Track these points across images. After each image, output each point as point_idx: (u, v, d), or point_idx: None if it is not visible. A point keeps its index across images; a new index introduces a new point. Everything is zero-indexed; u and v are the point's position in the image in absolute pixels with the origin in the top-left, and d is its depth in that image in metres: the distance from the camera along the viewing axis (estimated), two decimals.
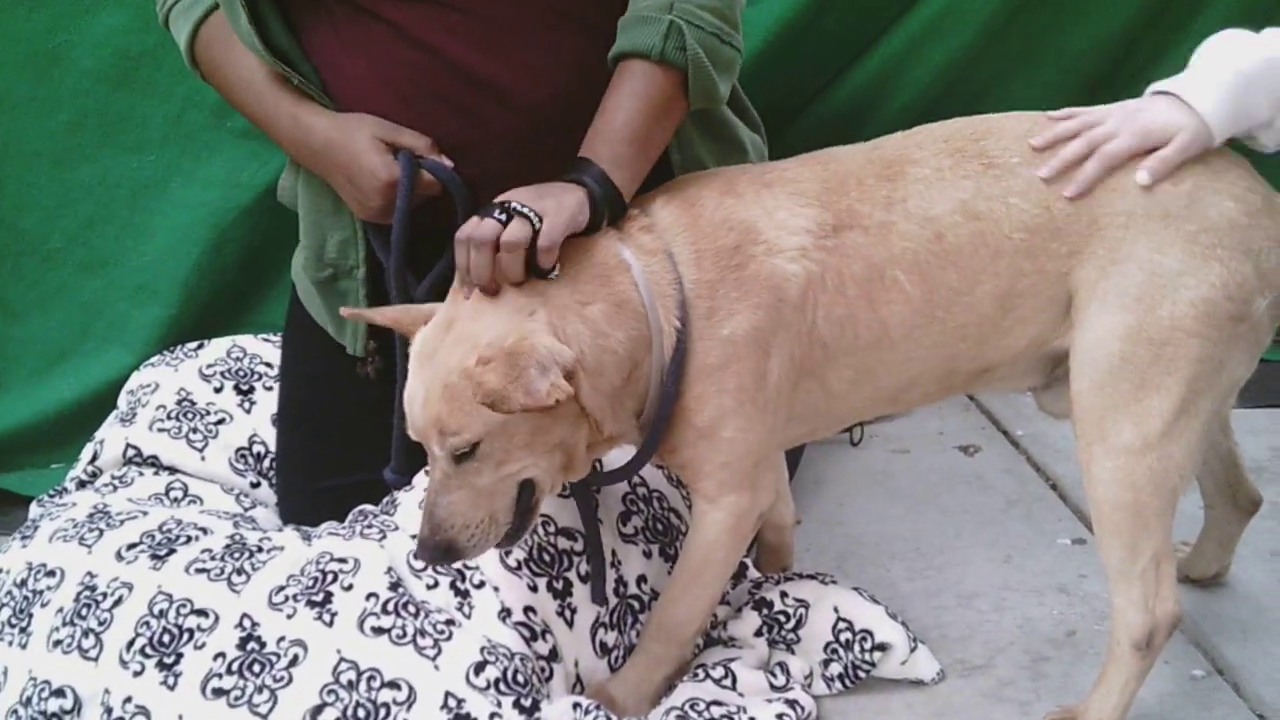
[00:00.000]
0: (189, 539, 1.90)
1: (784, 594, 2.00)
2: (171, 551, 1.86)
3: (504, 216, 1.60)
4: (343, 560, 1.83)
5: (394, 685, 1.68)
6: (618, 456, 1.89)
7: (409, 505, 1.95)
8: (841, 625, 1.96)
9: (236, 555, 1.86)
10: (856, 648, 1.94)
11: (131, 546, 1.88)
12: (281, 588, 1.80)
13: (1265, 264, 1.68)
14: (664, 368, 1.70)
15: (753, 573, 2.13)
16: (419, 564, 1.82)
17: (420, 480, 1.98)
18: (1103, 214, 1.68)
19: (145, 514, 1.98)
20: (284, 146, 2.01)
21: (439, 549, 1.62)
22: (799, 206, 1.74)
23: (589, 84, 1.82)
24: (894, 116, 2.76)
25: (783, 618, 1.98)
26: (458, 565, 1.82)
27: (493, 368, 1.51)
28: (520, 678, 1.72)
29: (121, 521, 1.95)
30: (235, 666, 1.71)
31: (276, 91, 1.95)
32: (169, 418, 2.28)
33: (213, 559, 1.85)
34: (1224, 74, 1.70)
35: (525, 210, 1.60)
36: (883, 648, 1.94)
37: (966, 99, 2.81)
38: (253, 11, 1.88)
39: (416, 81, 1.88)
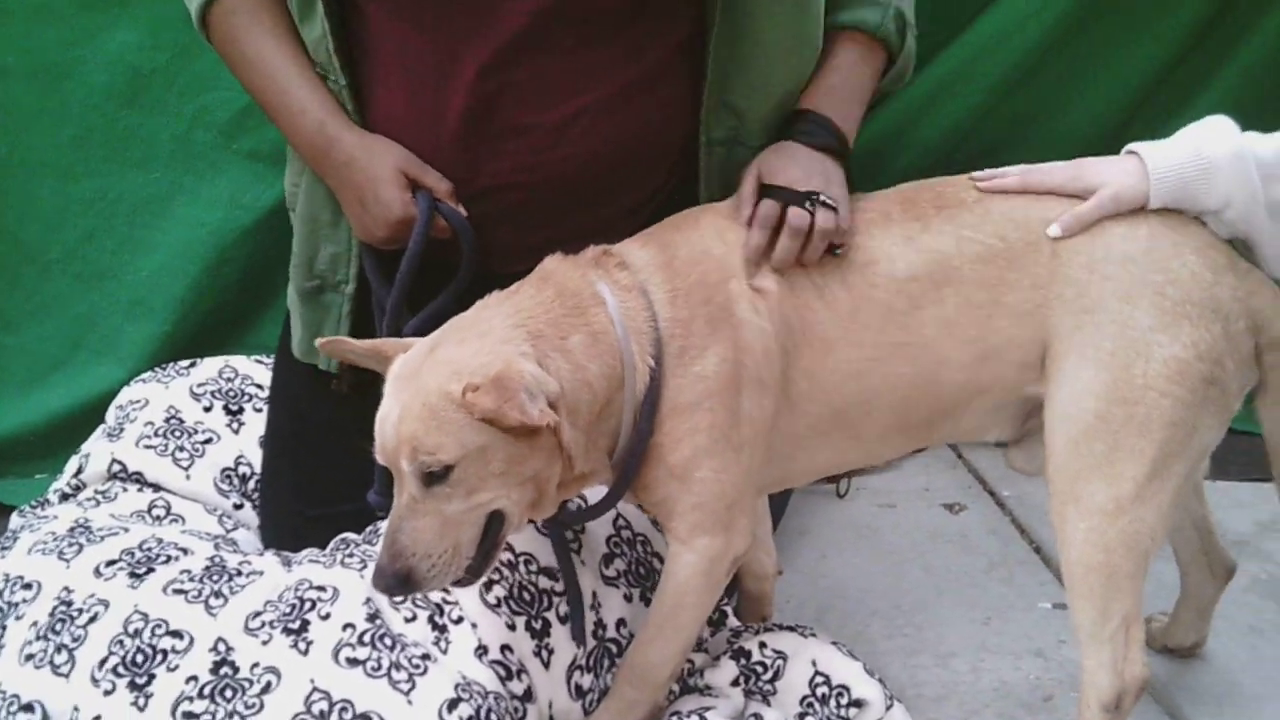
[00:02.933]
0: (169, 559, 1.89)
1: (763, 644, 2.00)
2: (150, 570, 1.86)
3: (811, 208, 1.76)
4: (321, 589, 1.82)
5: (365, 718, 1.66)
6: (594, 493, 1.89)
7: None
8: (819, 679, 1.95)
9: (215, 578, 1.85)
10: (833, 703, 1.93)
11: (110, 563, 1.87)
12: (258, 613, 1.79)
13: (1234, 326, 1.70)
14: (637, 405, 1.71)
15: (732, 621, 2.13)
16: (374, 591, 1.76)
17: None
18: (1062, 247, 1.72)
19: (126, 531, 1.98)
20: (298, 147, 1.97)
21: (397, 577, 1.57)
22: None
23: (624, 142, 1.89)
24: (901, 173, 2.77)
25: (760, 668, 1.97)
26: (418, 596, 1.81)
27: (484, 392, 1.52)
28: (493, 717, 1.71)
29: (102, 537, 1.94)
30: (207, 691, 1.69)
31: (306, 90, 1.91)
32: (156, 435, 2.28)
33: (191, 580, 1.84)
34: (1186, 150, 1.74)
35: (830, 202, 1.77)
36: (859, 704, 1.93)
37: (973, 159, 2.81)
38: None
39: (457, 120, 1.88)
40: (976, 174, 1.83)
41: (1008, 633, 2.28)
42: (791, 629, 2.05)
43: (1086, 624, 1.75)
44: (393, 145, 1.90)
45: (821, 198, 1.77)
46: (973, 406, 1.83)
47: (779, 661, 1.97)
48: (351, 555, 1.94)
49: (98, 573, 1.85)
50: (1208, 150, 1.73)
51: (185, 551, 1.92)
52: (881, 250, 1.78)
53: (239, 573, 1.87)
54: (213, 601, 1.80)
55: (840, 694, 1.94)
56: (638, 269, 1.75)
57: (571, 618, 1.89)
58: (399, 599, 1.82)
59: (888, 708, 1.94)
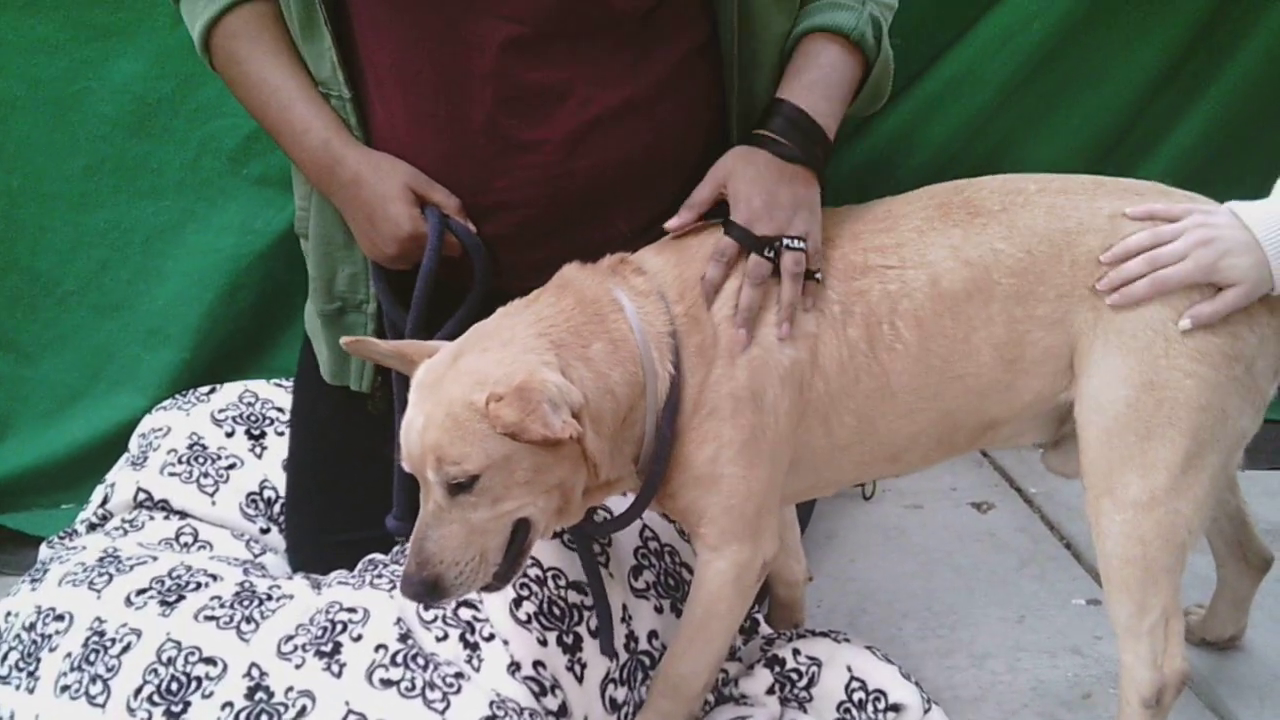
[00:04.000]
0: (198, 585, 1.89)
1: (796, 651, 1.99)
2: (181, 598, 1.85)
3: (772, 254, 1.72)
4: (352, 610, 1.82)
5: None
6: (619, 503, 1.88)
7: None
8: (855, 684, 1.94)
9: (246, 603, 1.84)
10: (870, 708, 1.92)
11: (141, 592, 1.86)
12: (290, 637, 1.78)
13: (1251, 304, 1.68)
14: (659, 412, 1.70)
15: (765, 629, 2.12)
16: (410, 601, 1.72)
17: None
18: (1081, 253, 1.71)
19: (155, 559, 1.97)
20: (303, 167, 1.94)
21: (425, 584, 1.57)
22: None
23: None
24: (911, 174, 2.78)
25: (795, 675, 1.96)
26: (448, 614, 1.81)
27: (506, 403, 1.51)
28: None
29: (131, 566, 1.94)
30: (243, 716, 1.68)
31: (310, 109, 1.89)
32: (180, 462, 2.28)
33: (222, 606, 1.83)
34: None
35: (795, 245, 1.72)
36: (896, 708, 1.92)
37: (981, 160, 2.83)
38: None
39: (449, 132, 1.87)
40: (1102, 285, 1.70)
41: (1042, 630, 2.26)
42: (825, 634, 2.04)
43: (1124, 618, 1.74)
44: (399, 162, 1.88)
45: (785, 243, 1.73)
46: (1011, 420, 1.82)
47: (814, 668, 1.96)
48: (380, 576, 1.93)
49: (129, 602, 1.84)
50: None
51: (215, 578, 1.92)
52: (941, 266, 1.74)
53: (269, 597, 1.86)
54: (244, 627, 1.79)
55: (877, 698, 1.92)
56: (654, 275, 1.74)
57: (600, 629, 1.88)
58: (429, 618, 1.81)
59: (925, 711, 1.93)
